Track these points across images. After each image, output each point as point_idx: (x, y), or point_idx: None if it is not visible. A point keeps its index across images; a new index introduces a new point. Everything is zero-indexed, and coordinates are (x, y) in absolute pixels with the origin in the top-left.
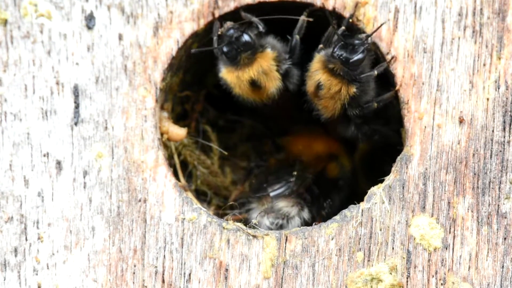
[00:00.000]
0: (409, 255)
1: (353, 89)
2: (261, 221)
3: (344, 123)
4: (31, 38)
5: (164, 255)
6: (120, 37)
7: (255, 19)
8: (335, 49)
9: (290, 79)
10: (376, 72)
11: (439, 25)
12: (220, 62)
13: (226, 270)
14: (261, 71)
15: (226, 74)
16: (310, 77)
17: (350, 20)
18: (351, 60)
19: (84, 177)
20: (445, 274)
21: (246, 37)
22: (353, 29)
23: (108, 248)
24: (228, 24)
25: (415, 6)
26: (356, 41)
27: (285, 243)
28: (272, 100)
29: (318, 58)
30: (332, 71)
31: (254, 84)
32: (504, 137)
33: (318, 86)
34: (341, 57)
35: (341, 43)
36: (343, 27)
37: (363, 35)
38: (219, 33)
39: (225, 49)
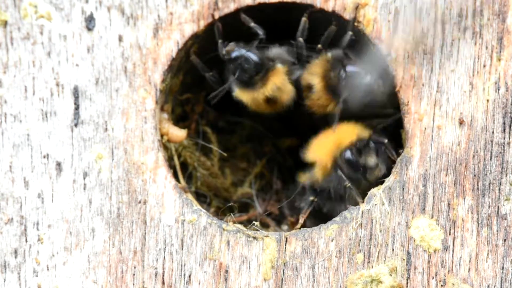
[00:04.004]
0: (409, 256)
1: (340, 107)
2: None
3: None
4: (31, 40)
5: (164, 257)
6: (120, 39)
7: (254, 25)
8: (344, 65)
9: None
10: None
11: (439, 26)
12: (232, 83)
13: (226, 271)
14: (275, 88)
15: (241, 95)
16: (308, 72)
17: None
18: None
19: (84, 178)
20: (445, 275)
21: (254, 58)
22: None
23: (108, 249)
24: (231, 46)
25: (415, 8)
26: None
27: (285, 245)
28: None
29: (323, 58)
30: (328, 82)
31: (270, 100)
32: (504, 138)
33: (310, 88)
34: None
35: (351, 61)
36: (350, 32)
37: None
38: (224, 52)
39: (236, 75)
